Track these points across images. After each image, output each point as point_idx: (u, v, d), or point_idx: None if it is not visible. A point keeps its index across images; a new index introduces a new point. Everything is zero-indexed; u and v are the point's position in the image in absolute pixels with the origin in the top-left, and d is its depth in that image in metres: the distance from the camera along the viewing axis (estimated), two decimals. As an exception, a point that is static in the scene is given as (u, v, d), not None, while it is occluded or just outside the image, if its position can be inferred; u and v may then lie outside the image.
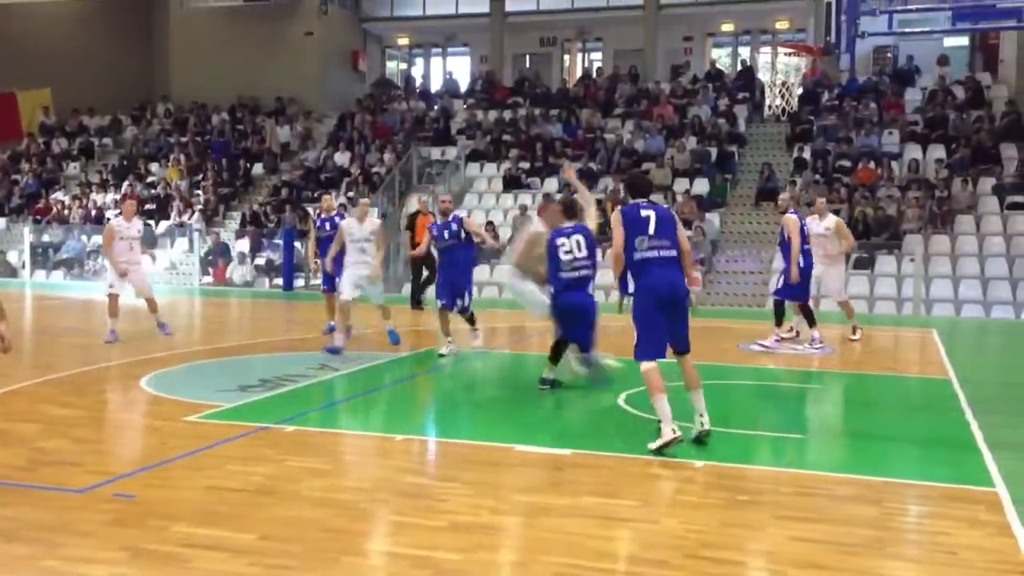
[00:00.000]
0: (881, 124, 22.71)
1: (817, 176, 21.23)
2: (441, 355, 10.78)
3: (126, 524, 5.00)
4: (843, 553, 4.75)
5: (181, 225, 23.96)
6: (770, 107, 25.27)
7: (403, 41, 32.29)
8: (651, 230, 6.61)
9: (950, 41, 25.15)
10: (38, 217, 25.18)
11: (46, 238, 24.66)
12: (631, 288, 6.63)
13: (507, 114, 26.09)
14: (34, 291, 20.65)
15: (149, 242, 23.80)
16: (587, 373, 8.74)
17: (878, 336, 13.93)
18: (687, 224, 19.94)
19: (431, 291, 14.41)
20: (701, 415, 6.66)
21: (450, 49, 32.01)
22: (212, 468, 6.08)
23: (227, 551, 4.64)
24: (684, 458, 6.42)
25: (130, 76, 30.61)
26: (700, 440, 6.61)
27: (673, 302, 6.62)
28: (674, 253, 6.68)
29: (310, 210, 21.56)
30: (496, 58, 29.00)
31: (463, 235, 10.68)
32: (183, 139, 27.61)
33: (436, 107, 27.21)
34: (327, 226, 12.48)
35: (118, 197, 24.80)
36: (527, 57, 30.56)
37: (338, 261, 11.16)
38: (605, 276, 11.63)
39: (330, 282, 12.08)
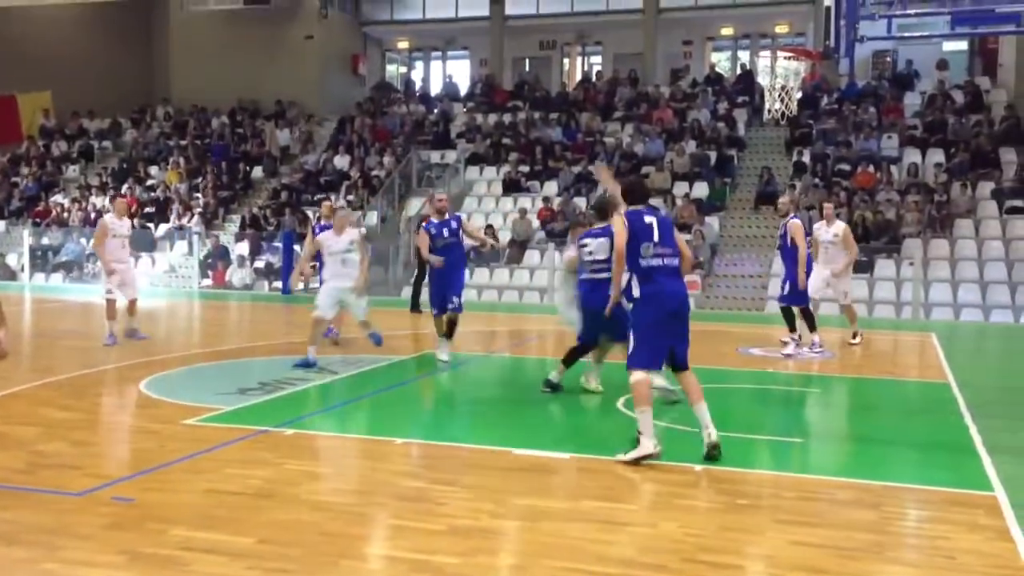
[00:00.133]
0: (880, 128, 22.74)
1: (816, 180, 21.25)
2: (443, 360, 10.74)
3: (125, 527, 5.00)
4: (842, 557, 4.75)
5: (180, 228, 23.97)
6: (769, 111, 25.32)
7: (403, 45, 32.33)
8: (655, 237, 6.55)
9: (949, 45, 25.20)
10: (37, 220, 25.19)
11: (45, 241, 24.67)
12: (635, 293, 6.51)
13: (507, 117, 26.11)
14: (33, 294, 20.65)
15: (148, 245, 23.92)
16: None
17: (877, 340, 13.93)
18: (687, 228, 19.96)
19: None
20: (707, 427, 6.50)
21: (450, 53, 32.05)
22: (211, 471, 6.07)
23: (226, 554, 4.63)
24: (683, 462, 6.41)
25: (130, 79, 30.63)
26: (711, 456, 6.39)
27: (678, 315, 6.55)
28: (676, 262, 6.63)
29: (310, 214, 21.58)
30: (496, 62, 29.02)
31: (461, 234, 10.59)
32: (183, 142, 27.62)
33: (436, 110, 27.23)
34: (328, 232, 12.40)
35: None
36: (527, 61, 30.59)
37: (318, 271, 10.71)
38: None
39: None
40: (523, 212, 21.86)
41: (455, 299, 10.34)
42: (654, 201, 9.39)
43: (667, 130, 23.95)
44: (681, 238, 6.92)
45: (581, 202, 22.02)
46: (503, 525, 5.25)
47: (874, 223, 19.39)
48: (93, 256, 22.45)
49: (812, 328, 11.86)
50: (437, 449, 7.07)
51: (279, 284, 21.36)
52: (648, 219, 6.63)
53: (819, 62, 24.66)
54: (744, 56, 29.45)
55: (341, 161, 25.48)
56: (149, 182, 26.15)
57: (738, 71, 27.34)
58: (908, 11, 10.16)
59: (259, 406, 8.20)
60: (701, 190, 21.95)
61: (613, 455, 6.44)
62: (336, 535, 4.96)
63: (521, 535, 5.11)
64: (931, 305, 18.12)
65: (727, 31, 29.11)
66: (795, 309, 11.98)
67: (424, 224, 10.42)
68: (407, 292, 18.58)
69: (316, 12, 28.55)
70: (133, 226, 23.63)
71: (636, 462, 6.29)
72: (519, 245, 21.31)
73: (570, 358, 8.98)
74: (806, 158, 22.24)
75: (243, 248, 22.91)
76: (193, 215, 24.19)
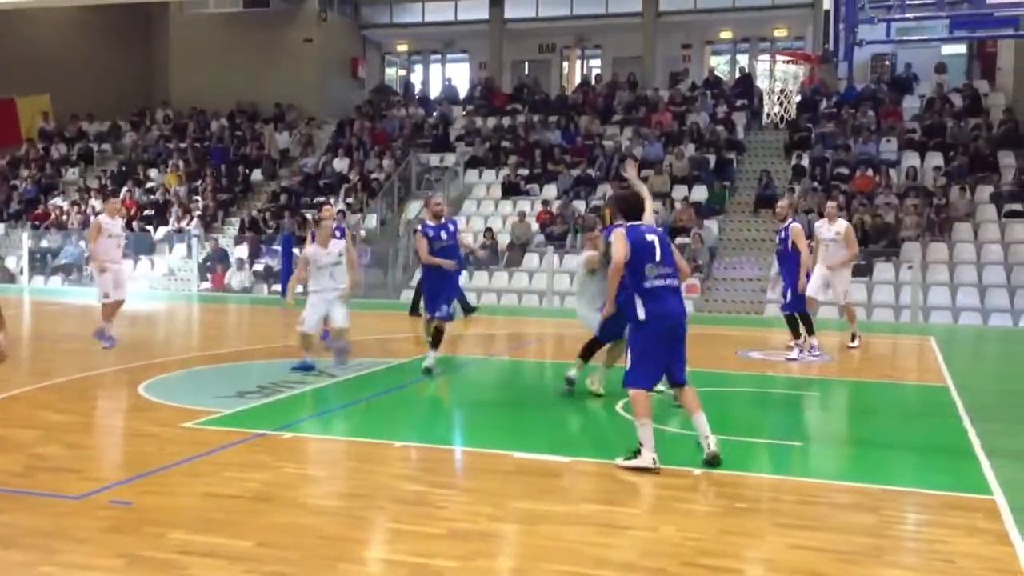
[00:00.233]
0: (879, 132, 22.76)
1: (815, 183, 21.27)
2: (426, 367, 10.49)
3: (123, 531, 4.99)
4: (841, 561, 4.75)
5: (179, 231, 23.98)
6: (768, 115, 25.31)
7: (402, 48, 32.36)
8: (658, 256, 6.47)
9: (948, 49, 25.22)
10: (37, 223, 25.20)
11: (44, 244, 24.68)
12: (641, 315, 6.39)
13: (506, 121, 26.13)
14: (32, 297, 20.64)
15: (147, 248, 23.93)
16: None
17: (876, 343, 13.93)
18: (686, 231, 19.98)
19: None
20: (707, 438, 6.47)
21: (449, 56, 32.09)
22: (209, 475, 6.07)
23: (224, 558, 4.63)
24: (682, 465, 6.41)
25: (129, 82, 30.65)
26: (712, 464, 6.38)
27: (676, 334, 6.53)
28: (677, 281, 6.59)
29: (309, 217, 21.58)
30: (495, 65, 29.05)
31: (458, 238, 10.37)
32: (182, 145, 27.64)
33: (435, 114, 27.26)
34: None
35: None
36: (526, 64, 30.62)
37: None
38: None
39: None
40: (522, 215, 21.87)
41: (444, 307, 10.07)
42: (654, 205, 9.30)
43: (666, 133, 23.97)
44: (678, 252, 6.87)
45: (580, 205, 22.04)
46: (502, 529, 5.24)
47: (873, 227, 19.40)
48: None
49: (811, 332, 11.85)
50: (436, 452, 7.06)
51: (278, 287, 21.36)
52: (650, 237, 6.54)
53: (818, 66, 24.67)
54: (743, 60, 29.48)
55: (340, 164, 25.49)
56: (148, 185, 26.17)
57: (737, 75, 27.37)
58: (907, 15, 10.16)
59: (258, 409, 8.20)
60: (700, 193, 21.97)
61: (613, 459, 6.44)
62: (335, 539, 4.96)
63: (520, 539, 5.10)
64: (930, 308, 18.13)
65: (726, 35, 29.15)
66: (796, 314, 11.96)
67: (421, 228, 10.22)
68: (406, 295, 18.60)
69: (315, 15, 28.57)
70: (132, 228, 23.99)
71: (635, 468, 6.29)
72: (518, 248, 21.31)
73: (587, 352, 8.92)
74: (805, 162, 22.26)
75: (242, 251, 22.92)
76: (192, 218, 24.20)
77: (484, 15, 28.84)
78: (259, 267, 22.50)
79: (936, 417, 8.63)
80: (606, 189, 21.93)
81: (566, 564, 4.63)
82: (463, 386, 10.35)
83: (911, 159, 21.75)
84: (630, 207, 6.81)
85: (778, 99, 19.74)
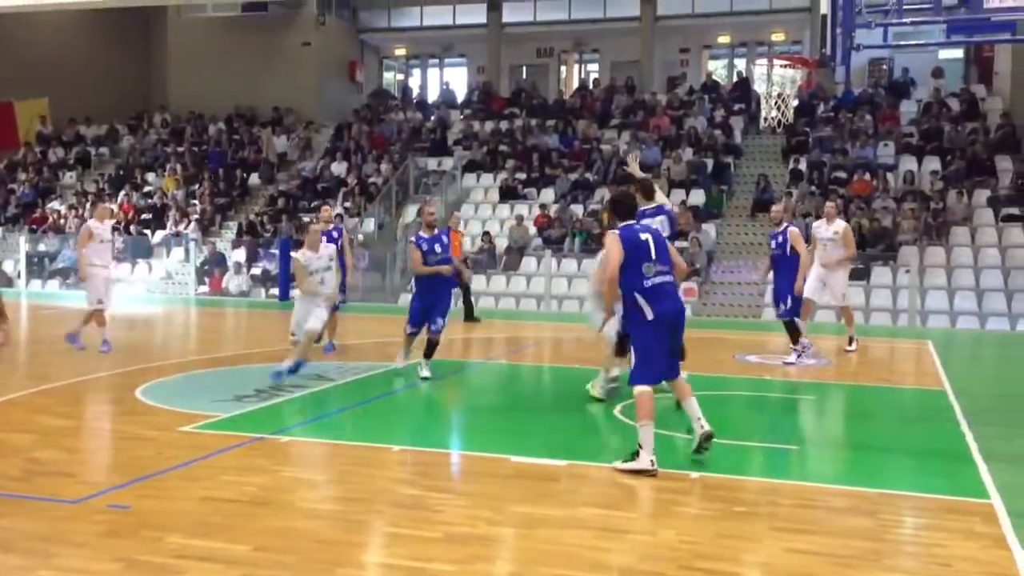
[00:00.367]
0: (876, 136, 22.80)
1: (813, 187, 21.29)
2: (398, 366, 10.31)
3: (120, 535, 4.99)
4: (839, 565, 4.75)
5: (177, 235, 23.96)
6: (766, 119, 25.32)
7: (400, 52, 32.37)
8: (653, 255, 6.49)
9: (945, 53, 25.25)
10: (34, 226, 25.18)
11: (42, 247, 24.65)
12: (649, 315, 6.38)
13: (504, 125, 26.15)
14: (30, 300, 20.61)
15: (145, 252, 23.92)
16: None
17: (874, 347, 13.94)
18: (684, 235, 19.99)
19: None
20: (699, 419, 6.52)
21: (447, 60, 32.10)
22: (207, 479, 6.06)
23: (221, 562, 4.62)
24: (680, 469, 6.41)
25: (127, 86, 30.64)
26: (702, 448, 6.45)
27: (676, 329, 6.58)
28: (672, 277, 6.61)
29: (307, 220, 21.57)
30: (493, 69, 29.07)
31: (451, 248, 10.26)
32: (180, 149, 27.64)
33: (433, 117, 27.27)
34: (324, 240, 12.32)
35: (114, 206, 24.81)
36: (524, 68, 30.64)
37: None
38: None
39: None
40: (520, 219, 21.87)
41: (439, 320, 9.95)
42: (661, 199, 9.25)
43: (664, 137, 23.99)
44: (672, 248, 6.88)
45: (578, 209, 22.05)
46: (500, 532, 5.24)
47: (870, 231, 19.42)
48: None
49: (800, 334, 11.77)
50: (433, 456, 7.06)
51: (276, 291, 21.36)
52: (643, 236, 6.56)
53: (815, 70, 24.69)
54: (740, 64, 29.50)
55: (338, 168, 25.49)
56: (146, 189, 26.16)
57: (735, 79, 27.40)
58: (904, 20, 10.17)
59: (255, 413, 8.19)
60: (698, 197, 21.99)
61: (611, 462, 6.44)
62: (332, 543, 4.95)
63: (518, 542, 5.10)
64: (927, 312, 18.14)
65: (724, 39, 29.18)
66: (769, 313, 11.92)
67: (415, 239, 10.07)
68: (404, 299, 18.58)
69: (313, 19, 28.59)
70: (130, 232, 23.98)
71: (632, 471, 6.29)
72: (516, 252, 21.32)
73: (622, 348, 8.84)
74: (803, 166, 22.29)
75: (240, 255, 22.91)
76: (190, 222, 24.19)
77: (482, 19, 28.87)
78: (257, 271, 22.49)
79: (933, 421, 8.63)
80: (604, 193, 21.95)
81: (564, 568, 4.63)
82: (461, 390, 10.34)
83: (908, 163, 21.78)
84: (624, 208, 6.82)
85: (775, 103, 19.74)
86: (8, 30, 26.99)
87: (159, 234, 24.28)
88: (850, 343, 12.83)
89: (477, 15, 28.85)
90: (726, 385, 10.02)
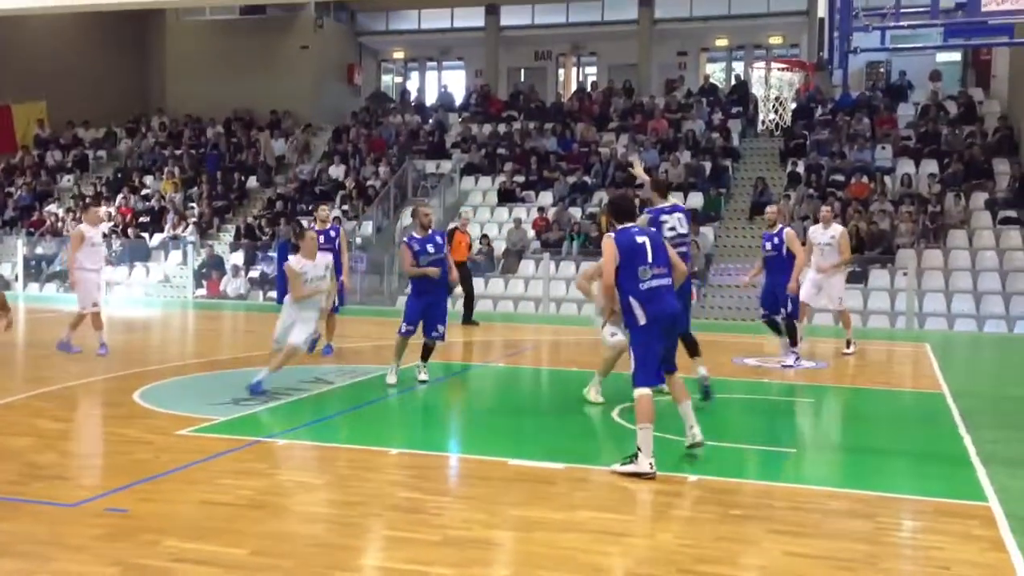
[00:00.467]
0: (874, 139, 22.83)
1: (811, 190, 21.32)
2: (391, 385, 9.73)
3: (117, 539, 4.98)
4: (837, 568, 4.75)
5: (175, 238, 23.96)
6: (764, 122, 25.48)
7: (398, 55, 32.39)
8: (650, 257, 6.48)
9: (942, 57, 25.33)
10: (32, 230, 25.15)
11: (40, 251, 24.62)
12: (642, 320, 6.38)
13: (502, 128, 26.17)
14: (27, 304, 20.58)
15: (143, 255, 23.89)
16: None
17: (871, 350, 13.94)
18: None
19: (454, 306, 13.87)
20: (692, 427, 6.67)
21: (445, 63, 32.13)
22: (204, 482, 6.06)
23: (218, 566, 4.62)
24: (678, 472, 6.41)
25: (125, 89, 30.64)
26: (692, 451, 6.56)
27: (672, 330, 6.63)
28: (670, 279, 6.60)
29: (304, 223, 21.57)
30: (491, 72, 29.09)
31: (446, 249, 9.87)
32: (177, 152, 27.63)
33: (431, 120, 27.29)
34: (322, 239, 12.21)
35: (112, 210, 24.81)
36: (522, 71, 30.67)
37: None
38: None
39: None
40: (518, 222, 21.88)
41: (440, 327, 9.68)
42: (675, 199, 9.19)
43: (662, 140, 24.01)
44: (673, 252, 6.87)
45: (576, 212, 22.06)
46: (498, 536, 5.24)
47: (868, 233, 19.44)
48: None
49: (779, 334, 11.75)
50: (431, 459, 7.06)
51: (274, 294, 21.32)
52: (640, 239, 6.54)
53: (813, 73, 24.80)
54: (738, 67, 29.57)
55: (336, 171, 25.49)
56: (144, 192, 26.15)
57: (733, 82, 27.46)
58: (901, 23, 10.19)
59: (253, 416, 8.19)
60: (696, 200, 21.99)
61: (609, 465, 6.43)
62: (330, 546, 4.95)
63: (516, 546, 5.10)
64: (925, 315, 18.16)
65: (722, 42, 29.22)
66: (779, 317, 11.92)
67: (407, 239, 9.78)
68: (402, 302, 18.54)
69: (312, 22, 28.61)
70: (128, 235, 23.95)
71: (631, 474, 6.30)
72: (514, 255, 21.32)
73: (694, 349, 8.72)
74: (800, 169, 22.31)
75: (238, 258, 22.90)
76: (188, 225, 24.18)
77: (480, 22, 28.90)
78: (255, 274, 22.48)
79: (931, 424, 8.63)
80: (602, 196, 21.96)
81: (562, 572, 4.62)
82: (458, 393, 10.33)
83: (906, 166, 21.81)
84: (622, 210, 6.81)
85: (773, 106, 19.84)
86: (5, 33, 26.97)
87: (157, 237, 24.27)
88: (848, 346, 12.83)
89: (475, 18, 28.88)
90: (724, 388, 10.00)
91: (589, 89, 27.93)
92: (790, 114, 24.64)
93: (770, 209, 12.23)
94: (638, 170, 9.99)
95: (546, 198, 23.07)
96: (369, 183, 24.38)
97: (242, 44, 28.70)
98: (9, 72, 27.48)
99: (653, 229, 6.99)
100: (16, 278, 23.96)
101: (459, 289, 15.27)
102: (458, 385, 10.70)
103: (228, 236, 24.09)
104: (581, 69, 31.18)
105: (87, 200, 24.28)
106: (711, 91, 26.40)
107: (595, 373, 8.95)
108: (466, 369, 11.78)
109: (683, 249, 8.44)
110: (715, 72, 29.56)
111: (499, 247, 21.64)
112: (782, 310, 11.66)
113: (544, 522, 5.36)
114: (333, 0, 28.50)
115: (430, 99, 30.25)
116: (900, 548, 5.25)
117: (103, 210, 13.01)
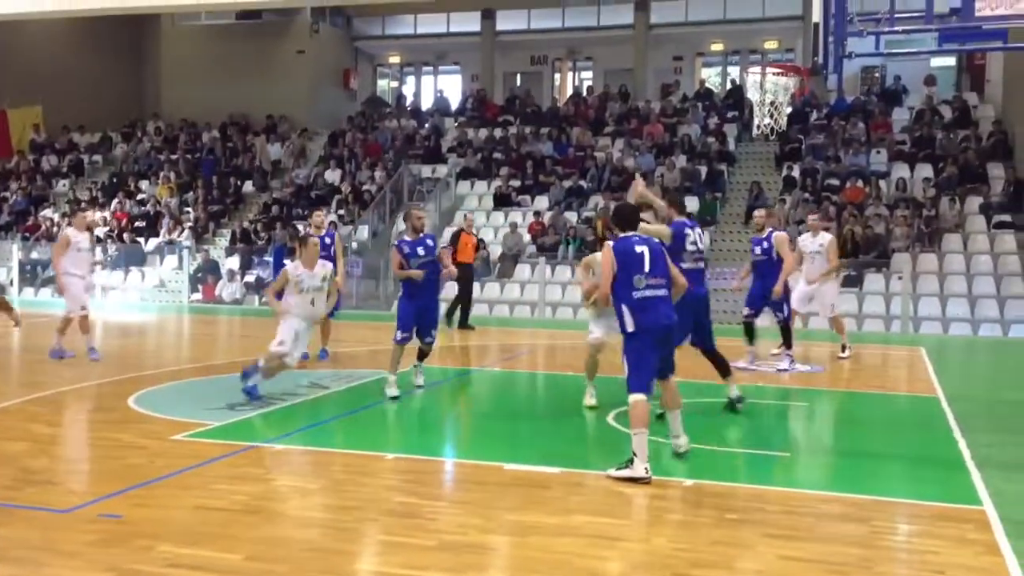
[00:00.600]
0: (869, 143, 22.88)
1: (806, 195, 21.35)
2: (393, 397, 9.36)
3: (112, 544, 4.97)
4: (831, 572, 4.75)
5: (171, 242, 23.94)
6: (759, 126, 25.55)
7: (394, 59, 32.42)
8: (647, 267, 6.45)
9: (937, 61, 25.40)
10: (27, 234, 25.12)
11: (35, 255, 24.58)
12: (630, 328, 6.39)
13: (498, 132, 26.19)
14: (22, 309, 20.54)
15: (138, 259, 23.87)
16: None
17: (866, 354, 13.96)
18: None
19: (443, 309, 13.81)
20: (678, 437, 6.77)
21: (441, 67, 32.16)
22: (199, 487, 6.04)
23: (213, 571, 4.61)
24: (672, 476, 6.42)
25: (121, 93, 30.63)
26: (678, 455, 6.63)
27: (667, 340, 6.62)
28: (667, 291, 6.58)
29: (300, 227, 21.56)
30: (487, 76, 29.13)
31: (437, 253, 9.84)
32: (173, 156, 27.61)
33: (427, 125, 27.31)
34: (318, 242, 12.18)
35: (107, 214, 24.78)
36: (518, 76, 30.72)
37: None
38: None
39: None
40: (514, 226, 21.89)
41: (433, 332, 9.64)
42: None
43: (657, 145, 24.04)
44: (674, 266, 6.80)
45: (572, 216, 22.08)
46: (493, 540, 5.24)
47: (863, 238, 19.48)
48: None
49: (751, 341, 11.70)
50: (427, 464, 7.04)
51: (269, 298, 21.30)
52: (639, 248, 6.52)
53: (808, 78, 24.88)
54: (734, 72, 29.63)
55: (332, 175, 25.49)
56: (139, 196, 26.13)
57: (728, 87, 27.50)
58: (896, 28, 10.21)
59: (248, 421, 8.17)
60: (691, 204, 21.96)
61: (604, 470, 6.43)
62: (324, 551, 4.94)
63: (511, 550, 5.10)
64: (920, 319, 18.18)
65: (717, 47, 29.29)
66: (764, 320, 11.92)
67: (397, 242, 9.65)
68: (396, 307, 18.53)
69: (307, 27, 28.62)
70: (123, 240, 23.91)
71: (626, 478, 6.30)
72: (510, 259, 21.33)
73: (722, 367, 8.75)
74: (796, 173, 22.35)
75: (233, 262, 22.88)
76: (183, 229, 24.16)
77: (476, 27, 28.93)
78: (250, 278, 22.46)
79: (926, 428, 8.64)
80: (598, 200, 21.98)
81: (557, 576, 4.62)
82: (454, 397, 10.33)
83: (901, 170, 21.86)
84: (623, 219, 6.77)
85: (768, 111, 19.88)
86: (2, 38, 26.95)
87: (152, 242, 24.25)
88: (843, 350, 12.86)
89: (471, 23, 28.92)
90: (719, 392, 10.00)
91: (585, 94, 27.97)
92: (785, 118, 24.70)
93: (758, 213, 12.24)
94: (644, 192, 9.10)
95: (542, 202, 23.09)
96: (365, 188, 24.38)
97: (238, 49, 28.70)
98: (5, 77, 27.46)
99: (657, 240, 6.85)
100: (11, 283, 23.90)
101: (450, 293, 15.25)
102: (454, 389, 10.69)
103: (224, 241, 24.07)
104: (577, 74, 31.23)
105: (82, 204, 24.28)
106: (707, 96, 26.44)
107: (584, 378, 8.97)
108: (462, 373, 11.77)
109: (701, 265, 8.42)
110: (711, 77, 29.62)
111: (495, 251, 21.64)
112: (778, 313, 11.69)
113: (539, 526, 5.36)
114: (329, 5, 28.51)
115: (426, 104, 30.28)
116: (894, 552, 5.25)
117: (92, 216, 12.91)
